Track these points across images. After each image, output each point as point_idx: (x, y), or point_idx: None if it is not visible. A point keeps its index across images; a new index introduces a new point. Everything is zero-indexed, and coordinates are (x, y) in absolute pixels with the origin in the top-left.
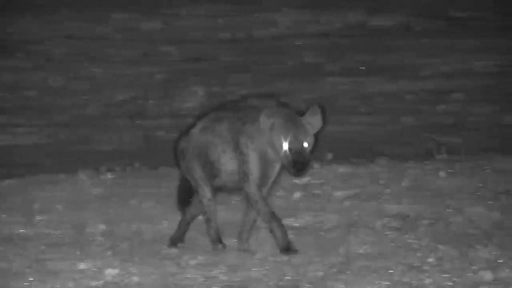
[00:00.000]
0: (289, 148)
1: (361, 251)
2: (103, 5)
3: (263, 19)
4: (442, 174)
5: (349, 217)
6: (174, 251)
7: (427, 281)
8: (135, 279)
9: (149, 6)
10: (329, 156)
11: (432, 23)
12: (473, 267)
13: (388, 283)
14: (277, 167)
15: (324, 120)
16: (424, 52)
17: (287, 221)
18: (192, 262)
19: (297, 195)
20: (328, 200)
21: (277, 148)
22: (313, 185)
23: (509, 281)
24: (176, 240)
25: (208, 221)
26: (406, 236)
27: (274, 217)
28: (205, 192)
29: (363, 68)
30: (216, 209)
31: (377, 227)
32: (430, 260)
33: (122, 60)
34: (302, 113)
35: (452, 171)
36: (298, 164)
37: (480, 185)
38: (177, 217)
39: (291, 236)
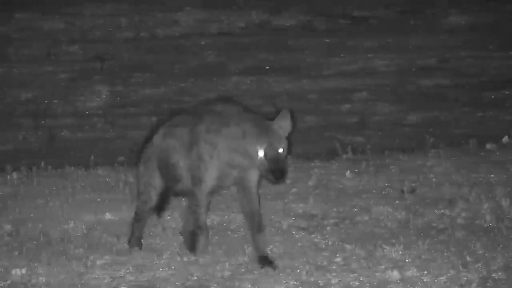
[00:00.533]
0: (264, 155)
1: (268, 250)
2: (5, 4)
3: (166, 19)
4: (347, 173)
5: None
6: (81, 251)
7: (334, 280)
8: (43, 279)
9: (51, 5)
10: None
11: (334, 23)
12: (380, 267)
13: (295, 282)
14: (253, 174)
15: (294, 124)
16: (327, 52)
17: None
18: (99, 262)
19: None
20: (234, 200)
21: (251, 156)
22: None
23: (415, 280)
24: (137, 241)
25: (136, 222)
26: (313, 235)
27: (206, 227)
28: (151, 201)
29: (267, 67)
30: (147, 218)
31: (283, 227)
32: (337, 259)
33: (25, 60)
34: (270, 118)
35: (357, 170)
36: (276, 171)
37: (386, 184)
38: (83, 217)
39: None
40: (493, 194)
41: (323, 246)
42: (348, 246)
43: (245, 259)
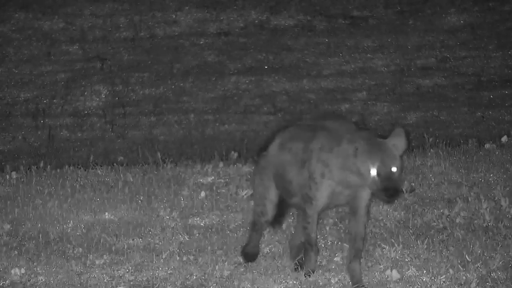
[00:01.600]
0: (377, 173)
1: (267, 250)
2: (4, 4)
3: (164, 18)
4: None
5: None
6: (80, 251)
7: (334, 280)
8: (42, 278)
9: (50, 5)
10: (234, 155)
11: (334, 23)
12: (379, 266)
13: (295, 282)
14: (364, 193)
15: (409, 142)
16: (326, 51)
17: (193, 221)
18: (98, 261)
19: (202, 194)
20: (233, 199)
21: (363, 175)
22: (218, 184)
23: (415, 280)
24: (253, 249)
25: (254, 231)
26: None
27: (316, 243)
28: (267, 215)
29: (266, 67)
30: (264, 229)
31: (282, 227)
32: (337, 259)
33: (24, 60)
34: (384, 136)
35: None
36: (389, 190)
37: None
38: (82, 216)
39: (197, 235)
40: (492, 194)
41: (323, 245)
42: (347, 246)
43: None
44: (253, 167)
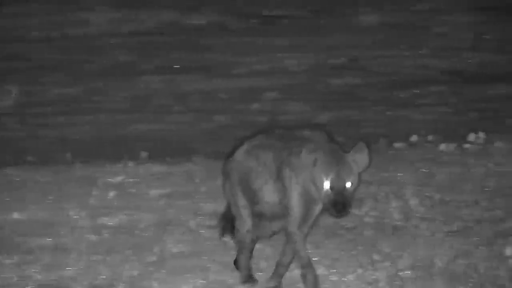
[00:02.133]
0: (330, 187)
1: (176, 249)
2: None
3: (77, 18)
4: None
5: (164, 216)
6: None
7: None
8: None
9: None
10: (144, 154)
11: (245, 22)
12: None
13: (204, 281)
14: (319, 206)
15: (371, 159)
16: (238, 51)
17: (102, 220)
18: (7, 261)
19: (111, 194)
20: (143, 199)
21: (318, 186)
22: (128, 184)
23: (324, 279)
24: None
25: (240, 252)
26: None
27: (310, 263)
28: (245, 223)
29: (178, 66)
30: (252, 243)
31: (192, 226)
32: None
33: None
34: (347, 151)
35: None
36: (338, 204)
37: None
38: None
39: (106, 235)
40: (401, 193)
41: (232, 244)
42: (256, 245)
43: (153, 258)
44: (221, 176)
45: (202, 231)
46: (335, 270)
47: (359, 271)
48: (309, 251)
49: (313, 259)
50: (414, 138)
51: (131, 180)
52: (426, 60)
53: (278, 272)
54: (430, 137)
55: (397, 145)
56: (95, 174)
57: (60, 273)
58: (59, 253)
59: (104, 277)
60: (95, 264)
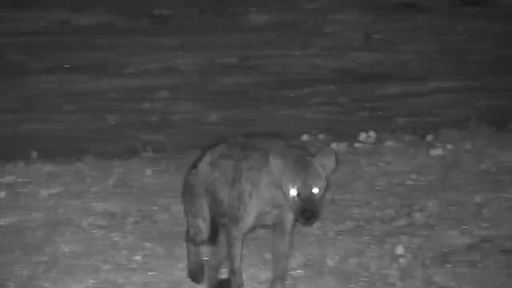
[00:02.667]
0: (297, 194)
1: (67, 249)
2: None
3: None
4: (148, 172)
5: (55, 216)
6: None
7: (134, 278)
8: None
9: None
10: (34, 154)
11: (136, 22)
12: (179, 265)
13: (95, 281)
14: (291, 214)
15: (338, 162)
16: (129, 50)
17: None
18: None
19: (2, 194)
20: (33, 199)
21: (285, 194)
22: (18, 184)
23: None
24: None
25: (190, 249)
26: (113, 234)
27: (240, 271)
28: (201, 232)
29: (68, 66)
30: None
31: (83, 226)
32: (137, 258)
33: None
34: (313, 155)
35: (158, 169)
36: (306, 212)
37: None
38: None
39: None
40: None
41: (123, 244)
42: (148, 244)
43: (44, 258)
44: (182, 186)
45: (93, 231)
46: (226, 270)
47: (251, 270)
48: (204, 250)
49: (204, 258)
50: (305, 137)
51: (21, 180)
52: (316, 60)
53: (233, 284)
54: (321, 136)
55: None
56: None
57: None
58: None
59: None
60: None
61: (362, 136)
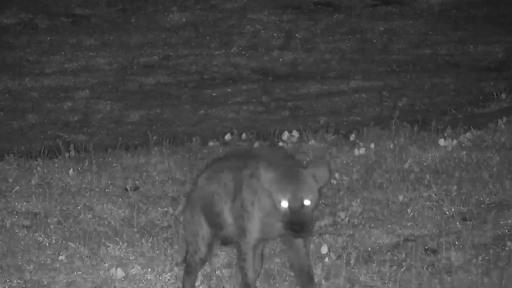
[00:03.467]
0: (288, 206)
1: None
2: None
3: None
4: (70, 171)
5: None
6: None
7: (58, 278)
8: None
9: None
10: None
11: (55, 21)
12: (104, 265)
13: (19, 281)
14: (280, 226)
15: (331, 173)
16: (49, 49)
17: None
18: None
19: None
20: None
21: (276, 206)
22: None
23: (139, 278)
24: None
25: (186, 275)
26: (36, 234)
27: (254, 283)
28: (199, 250)
29: None
30: (198, 270)
31: (6, 225)
32: (61, 257)
33: None
34: (305, 166)
35: (80, 168)
36: (295, 225)
37: (109, 182)
38: None
39: None
40: None
41: (47, 244)
42: (71, 244)
43: None
44: (183, 204)
45: (17, 231)
46: (150, 269)
47: (175, 269)
48: (124, 250)
49: (129, 258)
50: (228, 136)
51: None
52: (237, 59)
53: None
54: (243, 136)
55: (211, 143)
56: None
57: None
58: None
59: None
60: None
61: (285, 135)
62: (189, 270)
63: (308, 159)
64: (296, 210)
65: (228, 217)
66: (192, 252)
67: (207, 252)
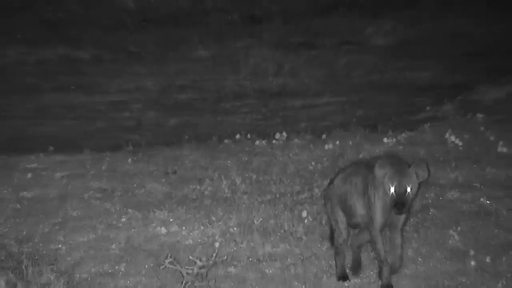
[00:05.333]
0: (394, 191)
1: (74, 214)
2: None
3: None
4: (129, 160)
5: (65, 191)
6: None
7: (121, 234)
8: None
9: None
10: (50, 148)
11: (117, 55)
12: (153, 224)
13: (94, 235)
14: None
15: (429, 172)
16: (112, 75)
17: None
18: None
19: (28, 175)
20: (50, 179)
21: (387, 192)
22: (39, 169)
23: (176, 233)
24: (343, 272)
25: (337, 255)
26: (105, 203)
27: (386, 259)
28: (342, 234)
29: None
30: (346, 250)
31: (85, 198)
32: (123, 219)
33: None
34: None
35: (135, 158)
36: (398, 204)
37: (155, 167)
38: None
39: None
40: (229, 175)
41: (113, 210)
42: (130, 210)
43: (58, 220)
44: (323, 198)
45: (92, 201)
46: (185, 228)
47: (201, 228)
48: (166, 214)
49: (170, 220)
50: (238, 136)
51: (41, 166)
52: (244, 82)
53: (383, 272)
54: (248, 136)
55: (226, 141)
56: None
57: None
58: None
59: None
60: None
61: (277, 135)
62: (337, 251)
63: (412, 161)
64: (400, 194)
65: (359, 209)
66: (337, 236)
67: (347, 235)
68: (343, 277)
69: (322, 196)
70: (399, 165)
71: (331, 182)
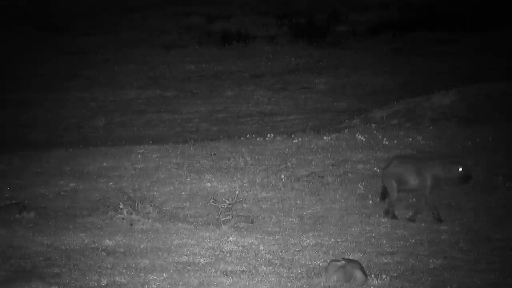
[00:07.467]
0: (462, 169)
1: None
2: None
3: None
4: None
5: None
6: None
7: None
8: None
9: None
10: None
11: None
12: (203, 181)
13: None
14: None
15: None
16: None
17: None
18: None
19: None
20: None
21: (453, 172)
22: None
23: (216, 186)
24: (391, 213)
25: (390, 206)
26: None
27: (435, 206)
28: (394, 196)
29: None
30: (396, 204)
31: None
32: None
33: None
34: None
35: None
36: (467, 177)
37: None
38: None
39: None
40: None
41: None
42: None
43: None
44: (382, 177)
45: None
46: (220, 183)
47: (228, 183)
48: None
49: (212, 179)
50: (270, 136)
51: None
52: (251, 108)
53: (415, 213)
54: (253, 136)
55: (238, 140)
56: None
57: None
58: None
59: None
60: None
61: (270, 135)
62: (391, 204)
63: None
64: (467, 171)
65: (412, 182)
66: (392, 197)
67: (397, 197)
68: (391, 216)
69: (382, 174)
70: (446, 162)
71: (387, 166)
